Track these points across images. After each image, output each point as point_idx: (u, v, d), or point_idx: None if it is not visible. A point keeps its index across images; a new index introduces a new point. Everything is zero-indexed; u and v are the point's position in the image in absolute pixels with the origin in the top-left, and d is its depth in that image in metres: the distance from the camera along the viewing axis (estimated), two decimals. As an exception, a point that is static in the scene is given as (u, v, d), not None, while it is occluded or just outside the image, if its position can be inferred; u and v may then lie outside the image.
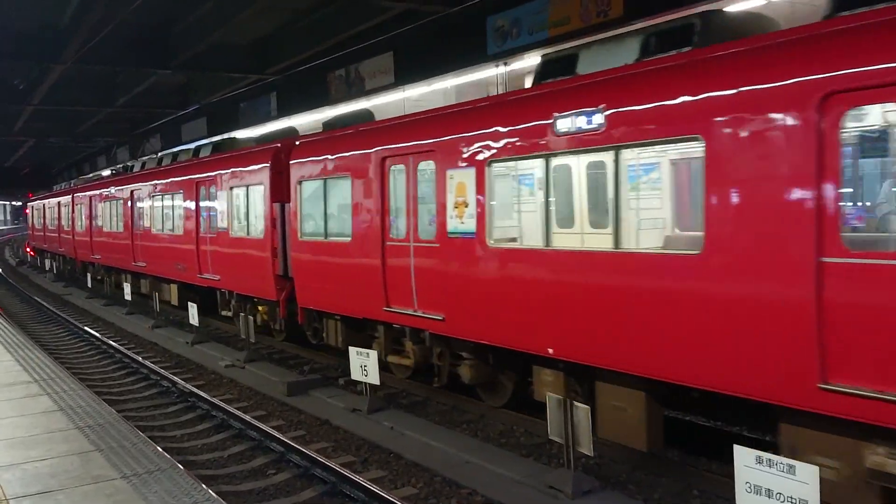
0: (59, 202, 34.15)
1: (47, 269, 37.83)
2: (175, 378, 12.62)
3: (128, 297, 21.41)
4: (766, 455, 5.52)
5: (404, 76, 17.07)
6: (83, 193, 28.74)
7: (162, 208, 19.64)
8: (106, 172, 37.33)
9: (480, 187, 9.01)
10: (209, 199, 16.62)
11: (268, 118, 23.44)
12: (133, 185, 22.10)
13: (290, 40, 19.17)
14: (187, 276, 17.87)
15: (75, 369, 14.34)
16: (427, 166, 10.04)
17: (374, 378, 10.30)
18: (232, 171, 15.45)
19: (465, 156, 9.23)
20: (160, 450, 7.41)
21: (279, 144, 14.16)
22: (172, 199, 18.85)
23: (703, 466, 8.09)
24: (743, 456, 5.65)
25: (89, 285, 27.40)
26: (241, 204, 15.15)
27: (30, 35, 18.31)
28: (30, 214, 46.21)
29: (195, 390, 11.73)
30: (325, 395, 11.63)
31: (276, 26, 19.02)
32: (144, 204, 21.01)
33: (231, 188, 15.40)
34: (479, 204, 9.05)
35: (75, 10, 16.69)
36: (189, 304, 16.54)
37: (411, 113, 10.97)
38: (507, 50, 14.09)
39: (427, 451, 8.91)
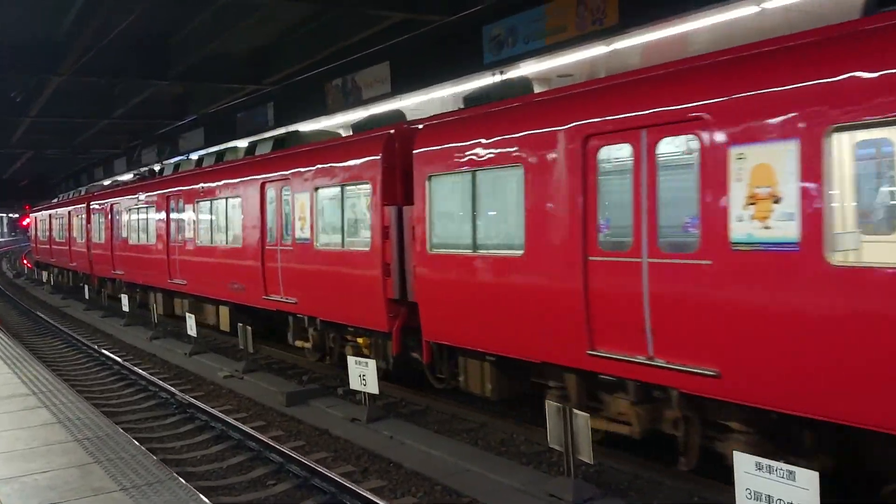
0: (69, 211, 30.48)
1: (44, 281, 37.74)
2: (173, 389, 12.60)
3: (125, 308, 21.36)
4: (765, 461, 5.52)
5: (401, 85, 17.17)
6: (101, 201, 25.42)
7: (210, 216, 16.52)
8: (126, 177, 34.71)
9: (811, 170, 5.89)
10: (281, 204, 13.59)
11: (265, 128, 23.53)
12: (169, 189, 18.84)
13: (287, 50, 19.28)
14: (246, 296, 14.92)
15: (73, 381, 14.30)
16: (679, 144, 7.21)
17: (373, 387, 10.28)
18: (317, 169, 12.34)
19: (776, 123, 6.13)
20: (159, 461, 7.40)
21: (392, 131, 11.03)
22: (226, 205, 15.75)
23: (703, 473, 8.07)
24: (743, 462, 5.65)
25: (86, 297, 27.35)
26: (333, 208, 12.15)
27: (27, 47, 18.38)
28: (33, 225, 42.94)
29: (194, 401, 11.70)
30: (324, 404, 11.61)
31: (274, 37, 19.12)
32: (185, 212, 17.75)
33: (316, 189, 12.32)
34: (809, 197, 5.91)
35: (72, 21, 16.76)
36: (187, 315, 16.51)
37: (637, 70, 7.79)
38: (503, 59, 14.18)
39: (427, 459, 8.89)
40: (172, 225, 18.66)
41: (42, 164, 46.45)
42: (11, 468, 7.07)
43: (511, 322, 8.71)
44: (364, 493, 7.46)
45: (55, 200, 38.88)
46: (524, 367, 8.97)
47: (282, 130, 21.70)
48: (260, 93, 22.48)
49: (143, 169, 28.46)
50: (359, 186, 11.40)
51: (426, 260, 9.97)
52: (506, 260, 8.80)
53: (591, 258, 7.69)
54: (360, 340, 12.00)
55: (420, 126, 10.52)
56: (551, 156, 8.13)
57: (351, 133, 12.79)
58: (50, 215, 35.43)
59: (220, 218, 16.12)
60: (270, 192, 13.92)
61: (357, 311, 11.46)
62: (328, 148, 12.60)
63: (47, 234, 36.18)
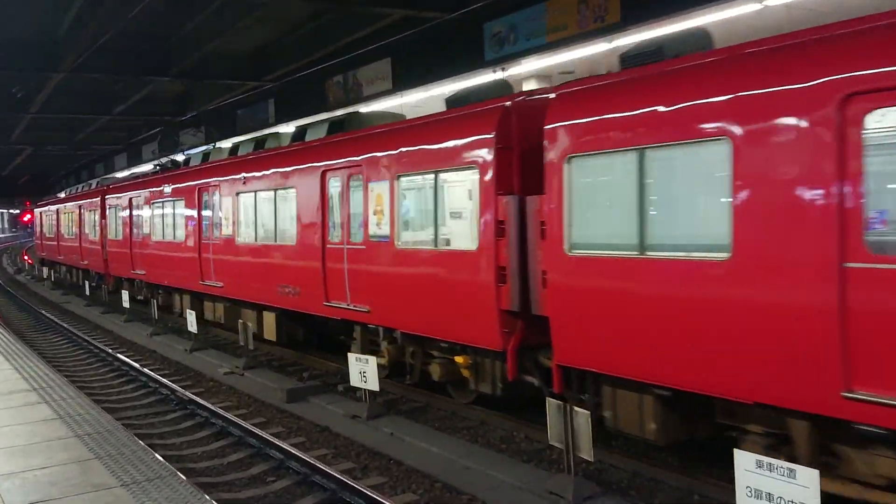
0: (80, 205, 28.48)
1: (45, 277, 37.75)
2: (174, 385, 12.60)
3: (126, 304, 21.36)
4: (766, 459, 5.52)
5: (402, 82, 17.16)
6: (120, 194, 23.32)
7: (254, 210, 14.65)
8: (144, 168, 32.24)
9: None
10: (348, 196, 11.74)
11: (265, 125, 23.53)
12: (202, 180, 16.98)
13: (288, 48, 19.27)
14: (301, 302, 13.09)
15: (74, 377, 14.31)
16: None
17: (373, 384, 10.27)
18: (401, 153, 10.46)
19: None
20: (159, 457, 7.40)
21: (508, 103, 9.09)
22: (275, 198, 13.92)
23: (703, 471, 8.08)
24: (743, 460, 5.65)
25: (87, 293, 27.33)
26: (423, 200, 10.35)
27: (28, 44, 18.38)
28: (37, 221, 41.29)
29: (194, 397, 11.71)
30: (324, 401, 11.61)
31: (275, 34, 19.10)
32: (223, 205, 15.88)
33: (398, 177, 10.49)
34: None
35: (73, 19, 16.76)
36: (187, 311, 16.50)
37: None
38: (504, 56, 14.18)
39: (427, 456, 8.90)
40: (206, 220, 16.77)
41: (42, 160, 46.43)
42: (12, 464, 7.07)
43: (702, 347, 6.66)
44: (364, 490, 7.46)
45: (62, 194, 37.37)
46: (706, 403, 6.99)
47: (282, 128, 21.68)
48: (261, 89, 22.47)
49: (164, 159, 26.21)
50: (461, 173, 9.53)
51: (563, 264, 7.95)
52: (697, 265, 6.71)
53: (850, 265, 5.62)
54: (458, 359, 9.89)
55: (552, 95, 8.45)
56: (781, 124, 6.09)
57: (445, 108, 10.65)
58: (58, 210, 33.27)
59: (267, 212, 14.25)
60: (334, 182, 12.09)
61: (457, 324, 9.52)
62: (416, 127, 10.54)
63: (55, 229, 34.04)
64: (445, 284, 9.65)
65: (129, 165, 38.22)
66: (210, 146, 21.15)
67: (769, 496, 5.45)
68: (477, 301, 9.09)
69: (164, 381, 13.02)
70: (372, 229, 11.04)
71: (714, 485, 7.60)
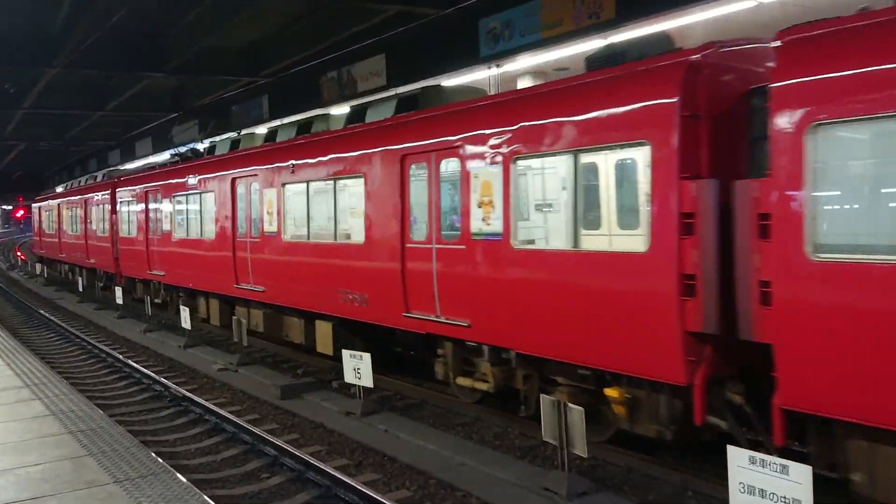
0: (85, 200, 26.73)
1: (38, 273, 37.64)
2: (167, 382, 12.58)
3: (119, 300, 21.29)
4: (759, 455, 5.54)
5: (396, 78, 17.14)
6: (133, 187, 21.25)
7: (307, 204, 12.69)
8: (160, 158, 30.14)
9: None
10: (438, 184, 9.86)
11: (260, 120, 23.48)
12: (237, 169, 15.03)
13: (282, 43, 19.25)
14: (371, 312, 11.18)
15: (67, 374, 14.26)
16: None
17: (367, 381, 10.26)
18: (520, 129, 8.43)
19: None
20: (153, 454, 7.39)
21: (696, 56, 7.04)
22: (335, 188, 11.92)
23: (697, 467, 8.10)
24: (736, 456, 5.66)
25: (80, 289, 27.24)
26: (555, 186, 8.58)
27: (21, 39, 18.31)
28: (36, 216, 39.13)
29: (188, 394, 11.69)
30: (318, 398, 11.60)
31: (269, 30, 19.08)
32: (264, 198, 13.89)
33: (514, 160, 8.51)
34: None
35: (67, 14, 16.70)
36: (181, 307, 16.45)
37: None
38: (499, 52, 14.17)
39: (421, 453, 8.89)
40: (242, 215, 14.79)
41: (35, 156, 46.27)
42: (4, 461, 7.05)
43: None
44: (358, 487, 7.46)
45: (60, 188, 36.40)
46: None
47: (276, 123, 21.40)
48: (255, 85, 22.43)
49: (182, 149, 23.99)
50: (620, 151, 7.76)
51: (804, 272, 5.96)
52: None
53: None
54: (609, 393, 7.75)
55: (775, 42, 6.35)
56: None
57: (586, 70, 8.57)
58: (59, 204, 31.34)
59: (324, 205, 12.40)
60: (416, 169, 10.26)
61: (610, 347, 7.56)
62: (545, 95, 8.50)
63: (55, 225, 32.08)
64: (594, 296, 7.69)
65: (123, 161, 38.13)
66: (236, 133, 19.44)
67: (762, 492, 5.46)
68: (647, 319, 7.12)
69: (158, 377, 12.99)
70: (475, 225, 9.13)
71: (708, 481, 7.62)
